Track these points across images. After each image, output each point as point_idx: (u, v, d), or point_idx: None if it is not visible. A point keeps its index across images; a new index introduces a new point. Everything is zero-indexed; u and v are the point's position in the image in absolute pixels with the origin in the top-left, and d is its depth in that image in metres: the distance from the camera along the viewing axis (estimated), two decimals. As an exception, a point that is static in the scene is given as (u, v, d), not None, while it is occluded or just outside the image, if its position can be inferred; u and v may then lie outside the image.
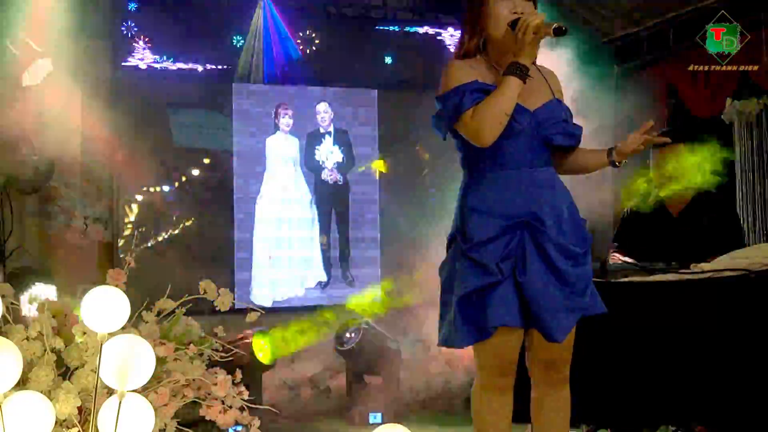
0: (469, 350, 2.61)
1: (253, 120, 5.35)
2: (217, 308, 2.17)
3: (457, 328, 2.40)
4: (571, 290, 2.39)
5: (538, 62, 2.56)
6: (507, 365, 2.44)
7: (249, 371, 2.32)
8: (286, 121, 5.41)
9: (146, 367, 1.80)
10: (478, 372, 2.50)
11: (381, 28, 5.51)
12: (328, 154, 5.48)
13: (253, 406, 2.08)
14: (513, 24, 2.38)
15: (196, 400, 2.07)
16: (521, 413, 2.61)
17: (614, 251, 3.85)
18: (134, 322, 2.03)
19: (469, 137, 2.41)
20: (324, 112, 5.52)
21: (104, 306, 1.83)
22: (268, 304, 5.22)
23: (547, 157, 2.49)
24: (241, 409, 2.07)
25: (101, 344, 1.80)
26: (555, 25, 2.32)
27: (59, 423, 1.84)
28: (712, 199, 4.15)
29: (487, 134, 2.36)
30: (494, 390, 2.47)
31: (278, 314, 5.17)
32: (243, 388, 2.09)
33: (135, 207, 5.03)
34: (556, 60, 5.44)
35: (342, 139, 5.53)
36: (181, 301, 2.14)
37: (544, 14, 2.38)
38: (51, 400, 1.79)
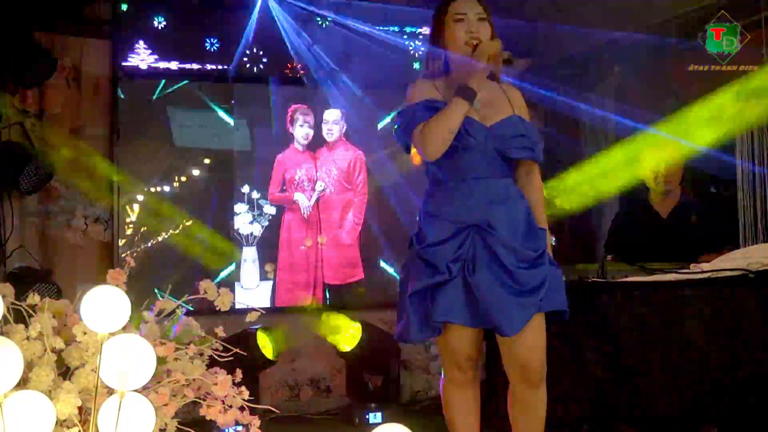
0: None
1: (254, 120, 5.35)
2: (217, 308, 2.18)
3: (411, 324, 2.56)
4: (523, 289, 2.48)
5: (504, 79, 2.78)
6: (463, 361, 2.62)
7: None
8: (304, 131, 5.37)
9: (146, 367, 1.80)
10: (442, 366, 2.71)
11: (382, 28, 5.50)
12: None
13: (253, 406, 2.08)
14: (475, 47, 2.57)
15: (196, 400, 2.07)
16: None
17: (609, 260, 3.86)
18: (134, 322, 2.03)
19: (418, 150, 2.61)
20: (333, 123, 5.45)
21: (104, 306, 1.83)
22: (267, 304, 5.22)
23: (505, 169, 2.64)
24: (241, 409, 2.07)
25: (101, 344, 1.80)
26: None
27: (60, 423, 1.84)
28: (702, 198, 4.17)
29: (431, 149, 2.55)
30: (455, 384, 2.68)
31: (278, 314, 5.17)
32: (243, 388, 2.10)
33: (135, 207, 5.03)
34: (556, 60, 5.47)
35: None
36: (181, 300, 2.14)
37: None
38: (51, 399, 1.79)
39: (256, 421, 2.08)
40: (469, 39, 2.57)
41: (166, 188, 5.13)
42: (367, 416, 4.68)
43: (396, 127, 2.68)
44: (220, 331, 2.21)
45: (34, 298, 1.99)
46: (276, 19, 5.24)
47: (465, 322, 2.51)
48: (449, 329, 2.55)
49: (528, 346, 2.50)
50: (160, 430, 1.97)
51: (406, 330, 2.59)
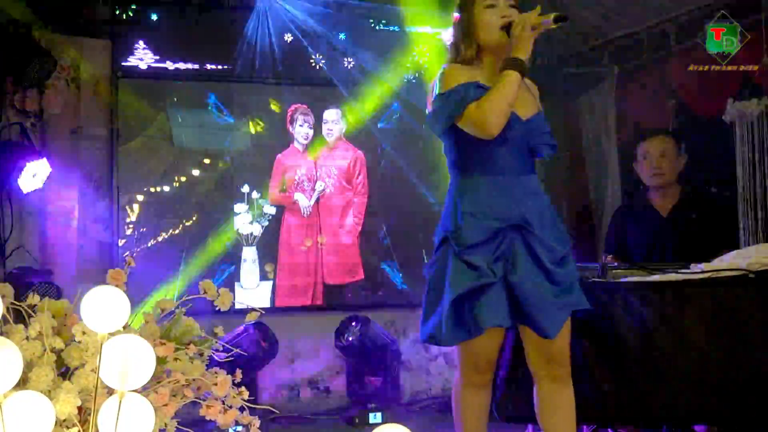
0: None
1: (254, 120, 5.35)
2: (217, 308, 2.17)
3: (449, 328, 2.49)
4: (560, 288, 2.49)
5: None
6: (485, 364, 2.60)
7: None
8: (304, 131, 5.36)
9: (146, 367, 1.80)
10: (460, 369, 2.65)
11: (382, 28, 5.50)
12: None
13: (252, 406, 2.08)
14: (507, 27, 2.51)
15: (196, 400, 2.07)
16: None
17: (608, 258, 3.86)
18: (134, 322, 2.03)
19: (475, 128, 2.50)
20: (333, 122, 5.44)
21: (104, 306, 1.83)
22: (267, 304, 5.21)
23: (531, 164, 2.63)
24: (242, 409, 2.07)
25: (101, 344, 1.80)
26: (554, 14, 2.44)
27: (59, 423, 1.83)
28: (701, 197, 4.16)
29: (493, 123, 2.46)
30: (472, 386, 2.63)
31: (278, 314, 5.17)
32: (243, 388, 2.09)
33: (135, 207, 5.02)
34: (555, 60, 5.47)
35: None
36: (181, 300, 2.13)
37: (539, 7, 2.48)
38: (51, 400, 1.79)
39: (256, 421, 2.08)
40: (502, 20, 2.52)
41: (166, 188, 5.13)
42: (367, 416, 4.69)
43: (437, 109, 2.56)
44: (220, 331, 2.21)
45: (33, 298, 1.98)
46: (276, 18, 5.24)
47: (508, 324, 2.49)
48: (485, 333, 2.49)
49: (558, 341, 2.51)
50: (159, 430, 1.97)
51: (438, 332, 2.52)
